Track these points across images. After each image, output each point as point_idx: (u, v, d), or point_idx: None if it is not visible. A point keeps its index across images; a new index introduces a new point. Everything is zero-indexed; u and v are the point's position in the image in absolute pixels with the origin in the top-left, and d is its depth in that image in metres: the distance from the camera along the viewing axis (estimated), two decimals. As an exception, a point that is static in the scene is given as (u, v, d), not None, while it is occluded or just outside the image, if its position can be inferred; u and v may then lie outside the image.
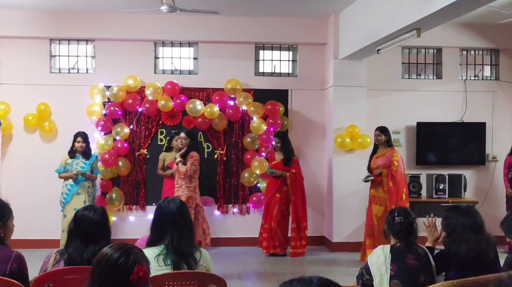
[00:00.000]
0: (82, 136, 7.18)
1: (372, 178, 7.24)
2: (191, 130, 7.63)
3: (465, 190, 8.28)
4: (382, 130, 7.32)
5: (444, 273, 3.77)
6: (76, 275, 3.03)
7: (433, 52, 8.93)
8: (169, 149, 7.94)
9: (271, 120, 8.29)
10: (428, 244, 3.97)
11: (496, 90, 8.84)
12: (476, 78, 8.95)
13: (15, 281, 3.06)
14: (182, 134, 7.11)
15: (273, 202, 7.71)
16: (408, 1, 5.88)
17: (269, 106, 8.29)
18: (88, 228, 3.20)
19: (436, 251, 3.93)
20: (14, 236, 3.54)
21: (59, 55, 8.46)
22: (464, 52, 8.96)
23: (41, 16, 8.07)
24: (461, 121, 8.68)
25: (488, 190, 8.65)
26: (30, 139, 8.20)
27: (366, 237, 7.29)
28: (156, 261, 3.20)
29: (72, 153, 7.20)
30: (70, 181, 7.08)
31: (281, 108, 8.37)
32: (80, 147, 7.14)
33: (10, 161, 8.14)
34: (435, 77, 8.90)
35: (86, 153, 7.20)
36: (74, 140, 7.20)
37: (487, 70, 9.05)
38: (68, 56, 8.47)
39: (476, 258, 3.62)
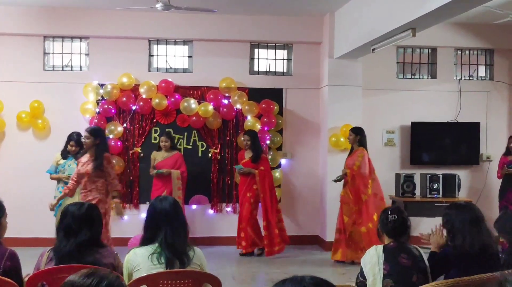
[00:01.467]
0: (76, 140, 6.97)
1: (339, 177, 7.37)
2: (96, 128, 6.54)
3: (459, 190, 8.27)
4: (353, 130, 7.41)
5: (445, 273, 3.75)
6: (69, 274, 3.01)
7: (428, 52, 8.94)
8: (160, 148, 7.90)
9: (265, 119, 8.28)
10: (433, 249, 3.95)
11: (490, 90, 8.86)
12: (471, 78, 8.97)
13: (9, 280, 3.05)
14: (85, 133, 6.16)
15: (244, 201, 7.69)
16: (404, 1, 5.88)
17: (263, 105, 8.28)
18: (69, 221, 3.24)
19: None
20: (7, 234, 3.52)
21: (52, 53, 8.41)
22: (459, 52, 8.97)
23: (35, 13, 8.02)
24: (456, 121, 8.70)
25: (482, 190, 8.67)
26: (23, 137, 8.15)
27: (336, 236, 7.36)
28: (150, 259, 3.19)
29: (64, 154, 7.09)
30: (62, 184, 6.91)
31: (275, 107, 8.36)
32: (73, 150, 7.02)
33: (2, 159, 8.09)
34: (429, 77, 8.91)
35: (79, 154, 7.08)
36: (67, 142, 7.06)
37: (481, 70, 9.07)
38: (62, 53, 8.42)
39: (481, 251, 3.61)
